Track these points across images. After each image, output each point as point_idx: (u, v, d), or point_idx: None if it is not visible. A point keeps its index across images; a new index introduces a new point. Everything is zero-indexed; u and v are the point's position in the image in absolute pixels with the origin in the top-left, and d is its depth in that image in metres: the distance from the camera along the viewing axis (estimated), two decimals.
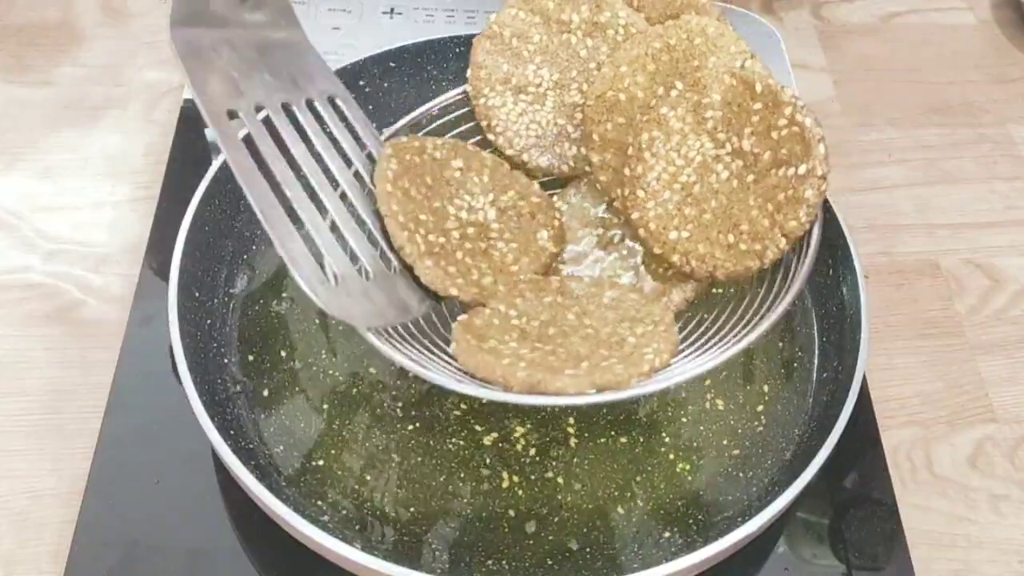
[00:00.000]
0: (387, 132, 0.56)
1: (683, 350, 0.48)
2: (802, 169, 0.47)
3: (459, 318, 0.48)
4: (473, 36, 0.66)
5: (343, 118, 0.52)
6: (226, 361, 0.56)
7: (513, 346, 0.46)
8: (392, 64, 0.66)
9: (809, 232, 0.49)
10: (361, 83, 0.65)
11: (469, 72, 0.56)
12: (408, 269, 0.49)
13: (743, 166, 0.49)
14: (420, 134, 0.55)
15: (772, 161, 0.48)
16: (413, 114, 0.57)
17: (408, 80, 0.67)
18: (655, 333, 0.47)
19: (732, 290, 0.53)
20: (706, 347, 0.48)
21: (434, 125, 0.57)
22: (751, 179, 0.49)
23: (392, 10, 0.76)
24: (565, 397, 0.44)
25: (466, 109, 0.57)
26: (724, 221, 0.49)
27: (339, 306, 0.46)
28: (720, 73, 0.50)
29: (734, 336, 0.48)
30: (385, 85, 0.66)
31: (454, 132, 0.57)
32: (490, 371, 0.45)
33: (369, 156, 0.52)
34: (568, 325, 0.48)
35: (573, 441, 0.54)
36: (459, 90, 0.57)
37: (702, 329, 0.50)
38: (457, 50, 0.67)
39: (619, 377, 0.44)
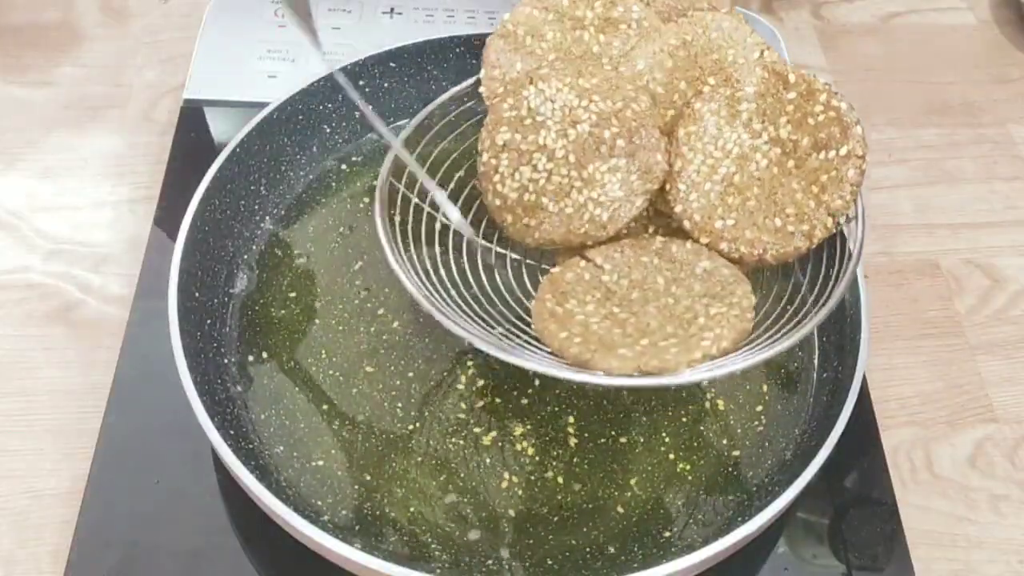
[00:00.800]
0: (403, 134, 0.56)
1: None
2: (843, 151, 0.50)
3: (552, 270, 0.51)
4: (473, 36, 0.66)
5: None
6: (226, 361, 0.56)
7: (589, 308, 0.49)
8: (392, 64, 0.66)
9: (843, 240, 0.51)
10: (361, 83, 0.65)
11: (483, 72, 0.55)
12: None
13: (782, 153, 0.51)
14: (432, 130, 0.57)
15: (812, 146, 0.50)
16: (424, 111, 0.57)
17: (408, 80, 0.67)
18: (726, 317, 0.47)
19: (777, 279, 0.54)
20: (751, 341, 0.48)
21: (447, 119, 0.57)
22: (792, 164, 0.51)
23: (392, 10, 0.76)
24: (608, 377, 0.45)
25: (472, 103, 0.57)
26: (769, 206, 0.51)
27: None
28: (752, 66, 0.52)
29: (772, 333, 0.48)
30: (385, 85, 0.66)
31: (467, 123, 0.57)
32: (550, 339, 0.47)
33: None
34: (653, 290, 0.49)
35: (573, 441, 0.54)
36: (471, 80, 0.57)
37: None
38: (457, 50, 0.67)
39: (667, 363, 0.45)
